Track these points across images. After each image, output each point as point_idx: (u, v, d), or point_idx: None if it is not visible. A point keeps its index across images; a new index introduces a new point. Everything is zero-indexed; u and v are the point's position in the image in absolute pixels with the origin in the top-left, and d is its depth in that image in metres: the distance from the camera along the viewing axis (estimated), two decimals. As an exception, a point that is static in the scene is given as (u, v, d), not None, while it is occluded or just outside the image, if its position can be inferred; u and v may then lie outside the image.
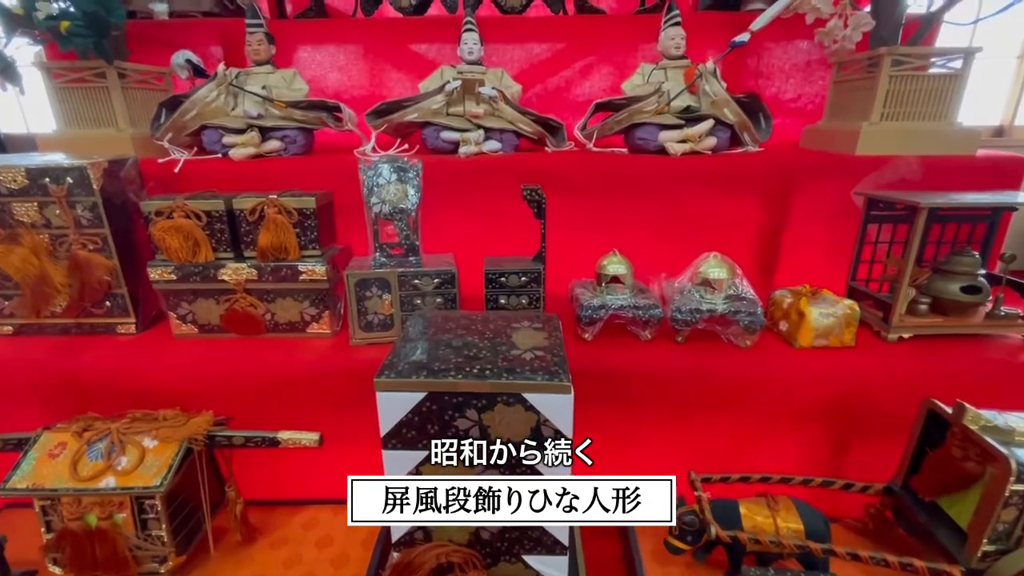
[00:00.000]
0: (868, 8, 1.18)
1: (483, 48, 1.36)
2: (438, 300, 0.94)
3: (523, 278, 0.93)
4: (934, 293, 0.97)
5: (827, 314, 0.93)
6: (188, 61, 1.29)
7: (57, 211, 0.92)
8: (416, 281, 0.93)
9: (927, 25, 1.18)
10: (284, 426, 0.78)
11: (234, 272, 0.94)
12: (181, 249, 0.93)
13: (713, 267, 0.94)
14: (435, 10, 1.76)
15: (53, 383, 0.94)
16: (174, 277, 0.94)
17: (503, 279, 0.93)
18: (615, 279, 0.97)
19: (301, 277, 0.95)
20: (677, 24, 1.28)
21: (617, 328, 0.98)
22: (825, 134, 1.27)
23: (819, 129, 1.31)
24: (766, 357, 0.93)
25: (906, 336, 0.96)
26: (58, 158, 0.96)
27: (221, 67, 1.26)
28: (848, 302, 0.95)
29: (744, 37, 1.21)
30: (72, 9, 1.15)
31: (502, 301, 0.94)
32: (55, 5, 1.14)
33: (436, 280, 0.93)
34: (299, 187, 1.04)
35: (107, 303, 0.99)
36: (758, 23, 1.23)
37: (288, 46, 1.64)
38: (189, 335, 0.99)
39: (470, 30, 1.34)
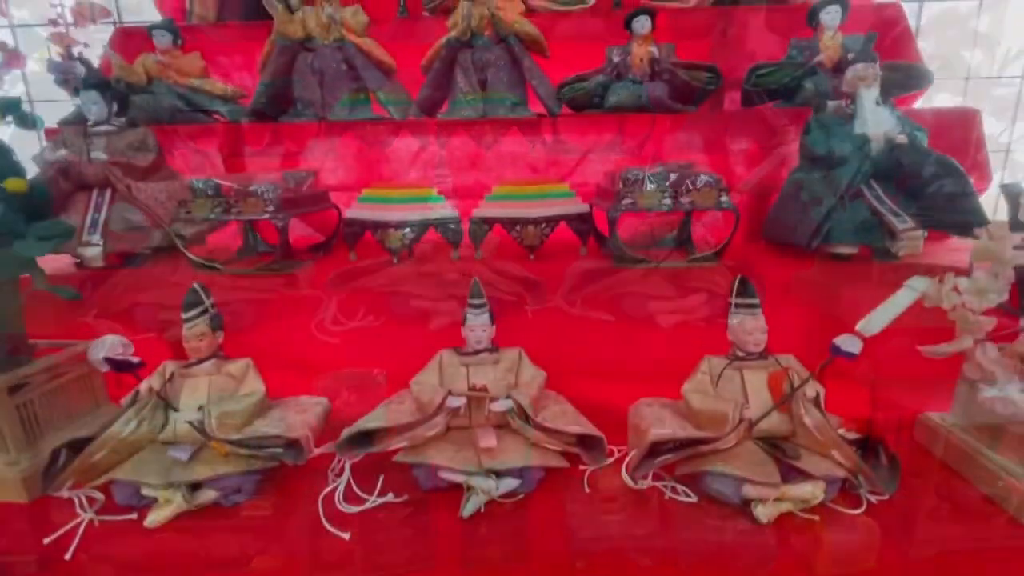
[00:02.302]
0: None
1: (495, 326, 1.06)
2: None
3: None
4: None
5: None
6: (107, 360, 0.96)
7: None
8: None
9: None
10: None
11: None
12: None
13: None
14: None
15: None
16: None
17: None
18: None
19: None
20: (755, 313, 0.97)
21: None
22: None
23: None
24: None
25: None
26: None
27: (144, 385, 0.95)
28: None
29: (853, 347, 0.89)
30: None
31: None
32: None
33: None
34: None
35: None
36: (872, 324, 0.92)
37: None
38: None
39: (478, 313, 1.04)
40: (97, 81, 1.56)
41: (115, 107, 1.59)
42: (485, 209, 1.53)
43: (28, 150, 1.50)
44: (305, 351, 1.38)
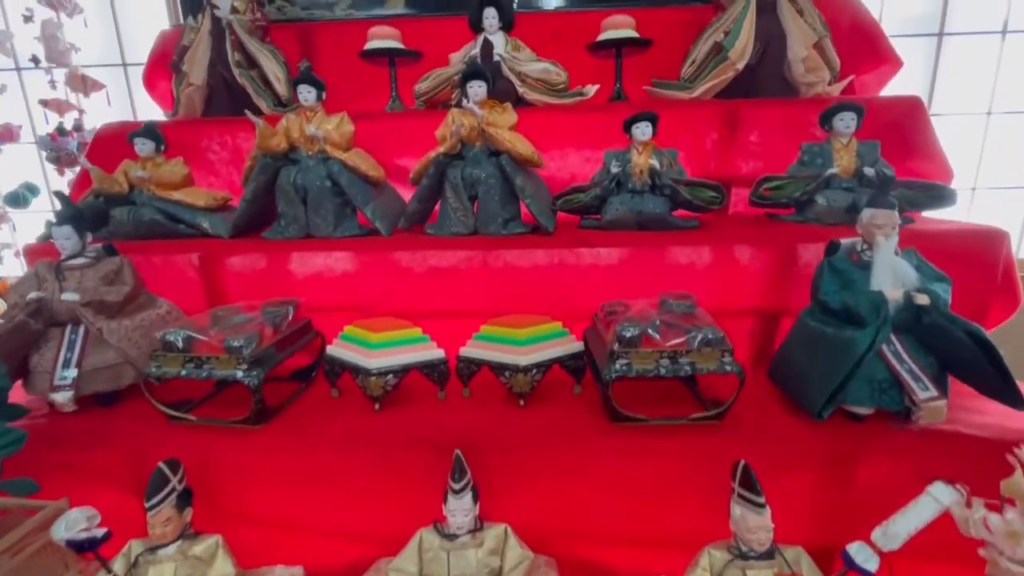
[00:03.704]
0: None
1: (478, 505, 1.00)
2: None
3: None
4: None
5: None
6: (69, 542, 0.94)
7: None
8: None
9: None
10: None
11: None
12: None
13: None
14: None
15: None
16: None
17: None
18: None
19: None
20: (759, 511, 0.88)
21: None
22: None
23: None
24: None
25: None
26: None
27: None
28: None
29: (869, 563, 0.81)
30: None
31: None
32: None
33: None
34: None
35: None
36: (890, 538, 0.83)
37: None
38: None
39: (460, 495, 0.99)
40: (70, 215, 1.49)
41: (89, 237, 1.53)
42: (472, 349, 1.44)
43: None
44: (280, 510, 1.31)
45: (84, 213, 1.54)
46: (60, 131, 2.67)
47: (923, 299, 1.21)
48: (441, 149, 1.64)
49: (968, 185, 3.31)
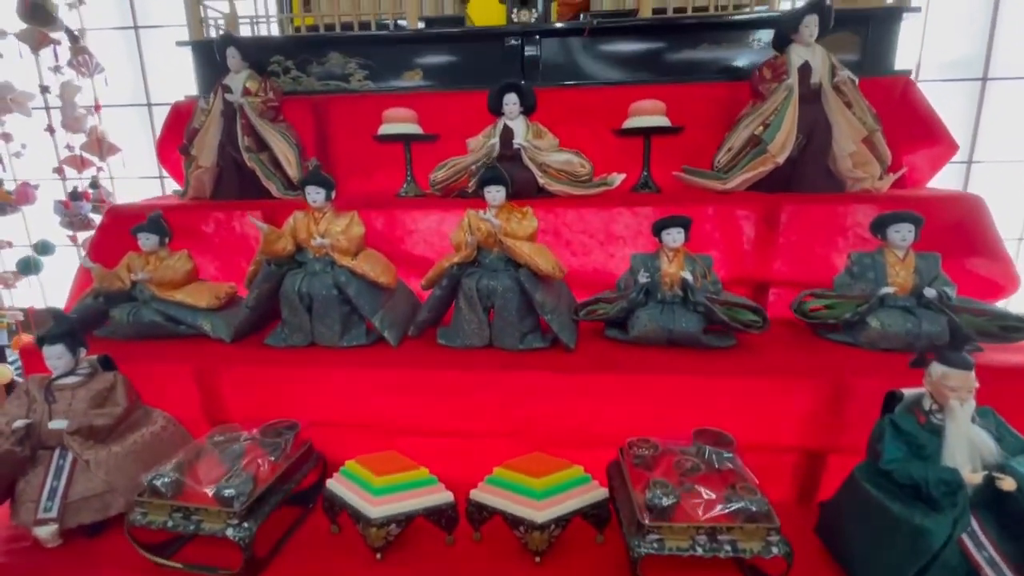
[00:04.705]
0: None
1: None
2: None
3: None
4: None
5: None
6: None
7: None
8: None
9: None
10: None
11: None
12: None
13: None
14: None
15: None
16: None
17: None
18: None
19: None
20: None
21: None
22: None
23: None
24: None
25: None
26: None
27: None
28: None
29: None
30: None
31: None
32: None
33: None
34: None
35: None
36: None
37: None
38: None
39: None
40: (63, 331, 1.41)
41: (83, 352, 1.45)
42: (485, 495, 1.31)
43: None
44: None
45: (77, 329, 1.45)
46: (73, 196, 2.63)
47: (1009, 484, 1.04)
48: (455, 259, 1.52)
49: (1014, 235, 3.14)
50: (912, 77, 2.13)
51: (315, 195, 1.60)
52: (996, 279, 1.73)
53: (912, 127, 2.04)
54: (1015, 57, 3.29)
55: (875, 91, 1.94)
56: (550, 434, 1.50)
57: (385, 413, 1.55)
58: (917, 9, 2.03)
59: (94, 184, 3.07)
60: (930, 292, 1.46)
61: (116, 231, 1.97)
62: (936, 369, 1.14)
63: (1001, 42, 3.30)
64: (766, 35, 2.18)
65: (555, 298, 1.54)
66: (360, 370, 1.53)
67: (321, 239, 1.53)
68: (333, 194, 1.63)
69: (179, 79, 2.43)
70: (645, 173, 1.97)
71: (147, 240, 1.74)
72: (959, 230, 1.74)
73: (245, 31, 2.45)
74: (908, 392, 1.21)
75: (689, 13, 2.19)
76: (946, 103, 2.11)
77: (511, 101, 1.88)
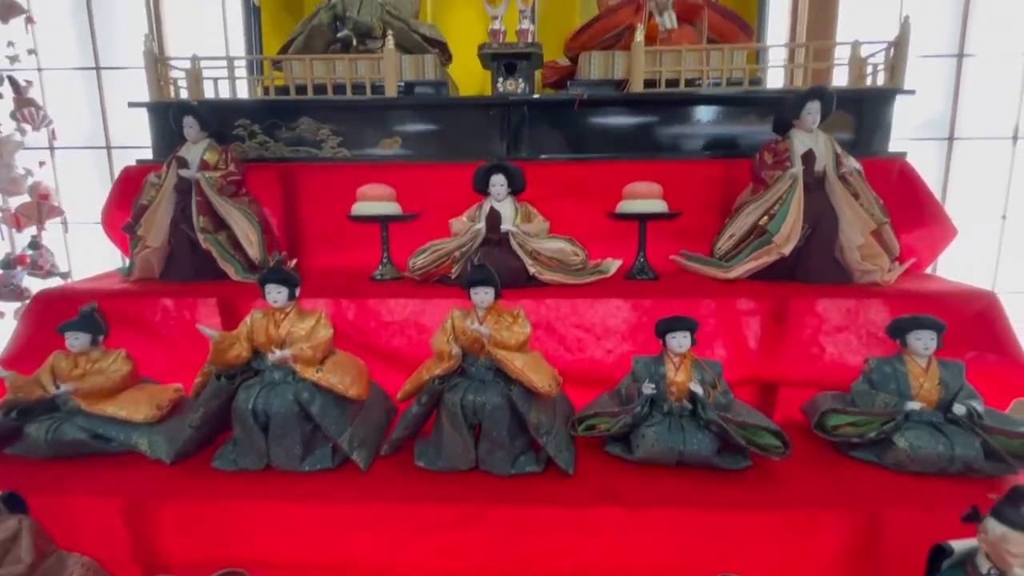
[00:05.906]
0: None
1: None
2: None
3: None
4: None
5: None
6: None
7: None
8: None
9: None
10: None
11: None
12: None
13: None
14: None
15: None
16: None
17: None
18: None
19: None
20: None
21: None
22: None
23: None
24: None
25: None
26: None
27: None
28: None
29: None
30: None
31: None
32: None
33: None
34: None
35: None
36: None
37: None
38: None
39: None
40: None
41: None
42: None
43: None
44: None
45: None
46: (5, 264, 2.35)
47: None
48: (437, 371, 1.33)
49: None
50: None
51: (276, 294, 1.40)
52: (1012, 379, 1.63)
53: (910, 210, 1.98)
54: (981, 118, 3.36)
55: (871, 172, 1.88)
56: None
57: (351, 553, 1.32)
58: (912, 92, 2.00)
59: (34, 245, 2.79)
60: (959, 409, 1.34)
61: (43, 321, 1.72)
62: (995, 528, 0.98)
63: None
64: (761, 110, 2.12)
65: (551, 416, 1.36)
66: (323, 505, 1.30)
67: (281, 352, 1.32)
68: (298, 292, 1.44)
69: (143, 123, 2.19)
70: (641, 258, 1.83)
71: (75, 340, 1.49)
72: (974, 327, 1.64)
73: (209, 91, 2.27)
74: (958, 546, 1.06)
75: (682, 88, 2.11)
76: (918, 161, 2.04)
77: (498, 183, 1.74)
